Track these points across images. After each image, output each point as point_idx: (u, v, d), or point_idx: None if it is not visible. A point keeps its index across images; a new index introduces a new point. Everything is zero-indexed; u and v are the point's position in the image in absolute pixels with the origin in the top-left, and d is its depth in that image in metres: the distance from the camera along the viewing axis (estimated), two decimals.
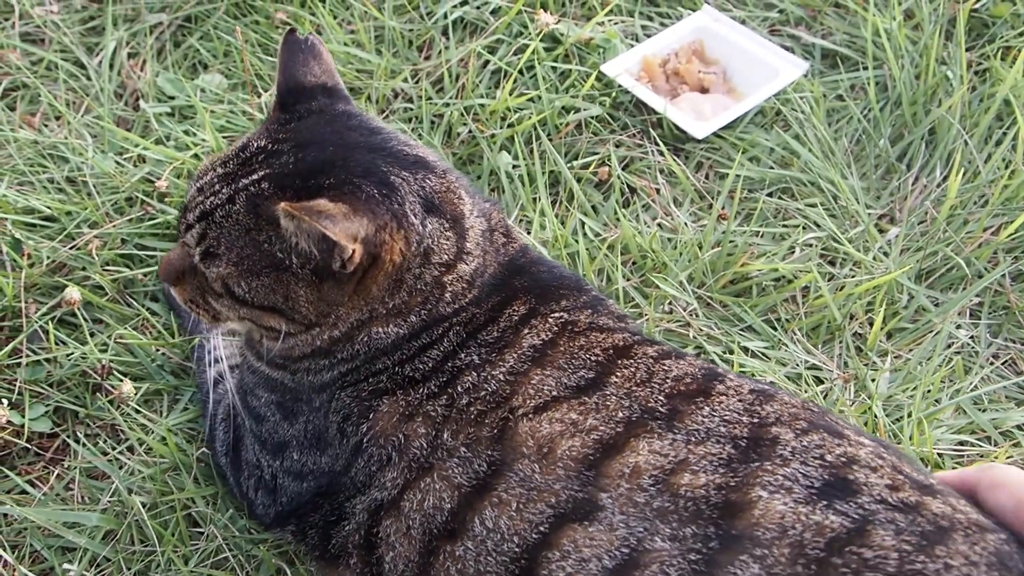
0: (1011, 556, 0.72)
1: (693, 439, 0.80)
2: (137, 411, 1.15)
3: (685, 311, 1.25)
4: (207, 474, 1.10)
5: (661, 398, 0.83)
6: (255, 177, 0.88)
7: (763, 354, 1.21)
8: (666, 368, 0.86)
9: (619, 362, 0.87)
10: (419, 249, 0.90)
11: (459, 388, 0.88)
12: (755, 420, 0.81)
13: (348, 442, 0.91)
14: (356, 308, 0.91)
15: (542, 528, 0.79)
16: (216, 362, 1.11)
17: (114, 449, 1.12)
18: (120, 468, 1.10)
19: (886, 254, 1.32)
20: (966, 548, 0.71)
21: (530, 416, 0.84)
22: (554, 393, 0.85)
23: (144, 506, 1.06)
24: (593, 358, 0.88)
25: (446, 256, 0.92)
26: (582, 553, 0.77)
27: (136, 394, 1.15)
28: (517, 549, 0.79)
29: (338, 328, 0.92)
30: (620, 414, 0.82)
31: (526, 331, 0.91)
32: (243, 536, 1.05)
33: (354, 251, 0.84)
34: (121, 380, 1.15)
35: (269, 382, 1.00)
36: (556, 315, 0.93)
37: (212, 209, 0.88)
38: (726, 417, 0.81)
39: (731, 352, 1.19)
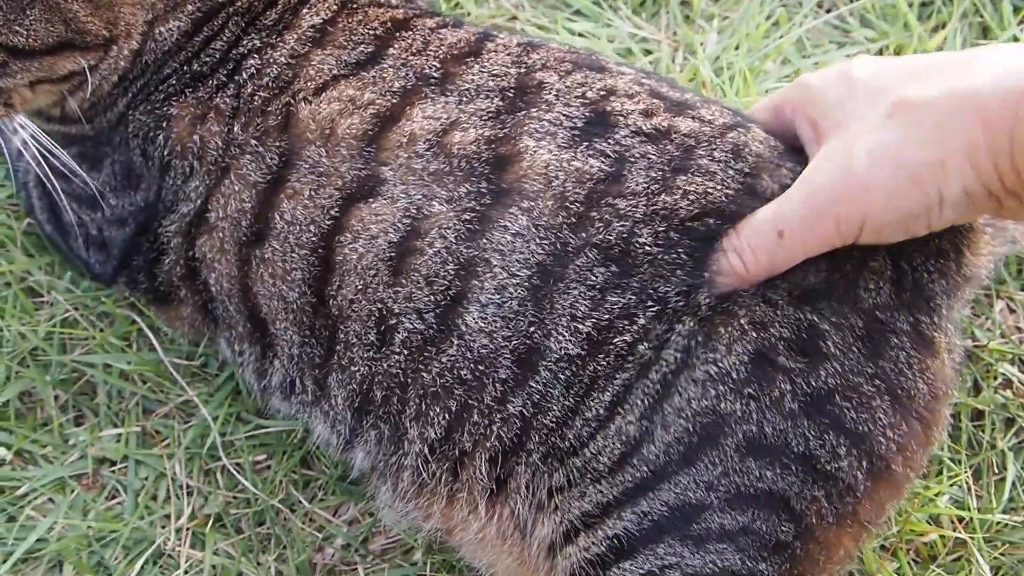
0: (746, 145, 0.78)
1: (464, 98, 0.80)
2: None
3: (510, 4, 1.21)
4: (39, 245, 1.06)
5: (435, 63, 0.83)
6: None
7: (591, 34, 1.19)
8: (442, 36, 0.85)
9: (397, 34, 0.85)
10: None
11: (244, 75, 0.86)
12: (522, 70, 0.82)
13: (154, 164, 0.89)
14: (137, 5, 0.85)
15: (333, 212, 0.80)
16: (17, 131, 1.04)
17: None
18: None
19: None
20: (706, 162, 0.76)
21: (309, 99, 0.82)
22: (334, 72, 0.83)
23: None
24: (371, 32, 0.86)
25: None
26: (370, 231, 0.78)
27: None
28: (315, 238, 0.80)
29: (133, 38, 0.86)
30: (396, 84, 0.82)
31: (305, 11, 0.87)
32: (88, 295, 1.04)
33: None
34: None
35: (66, 138, 0.94)
36: None
37: None
38: (494, 71, 0.82)
39: (557, 34, 1.17)
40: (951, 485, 0.93)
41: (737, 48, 1.17)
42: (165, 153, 0.87)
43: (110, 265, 0.98)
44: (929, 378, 0.74)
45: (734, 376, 0.72)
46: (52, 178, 0.97)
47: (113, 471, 0.98)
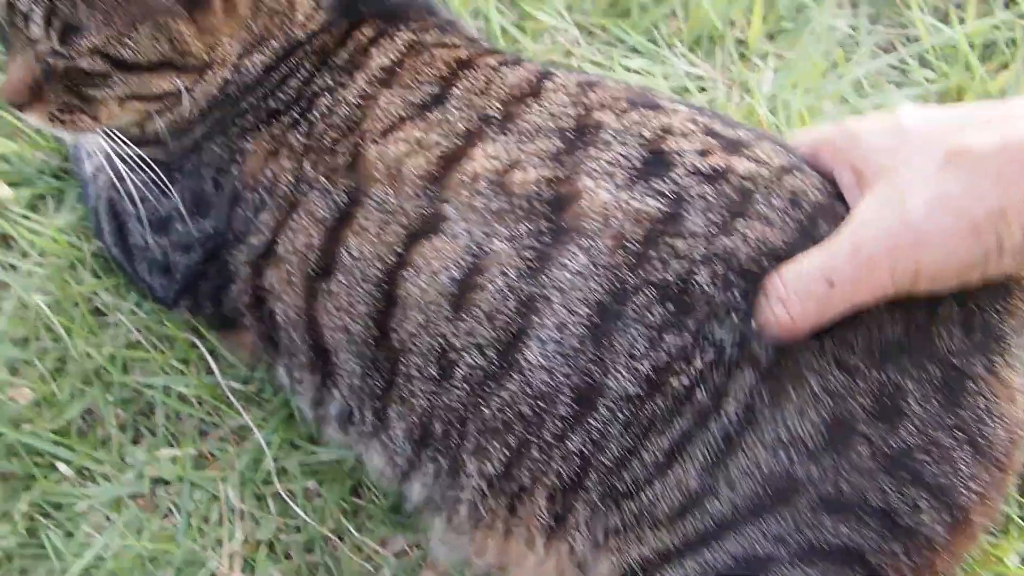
0: (804, 193, 0.77)
1: (525, 139, 0.81)
2: (24, 217, 1.12)
3: (566, 40, 1.23)
4: (106, 267, 1.09)
5: (497, 104, 0.84)
6: None
7: (646, 71, 1.20)
8: (503, 76, 0.87)
9: (461, 74, 0.87)
10: None
11: (315, 113, 0.88)
12: (580, 110, 0.83)
13: (225, 194, 0.91)
14: (234, 34, 0.89)
15: (397, 249, 0.81)
16: (90, 155, 1.08)
17: (6, 257, 1.10)
18: (16, 274, 1.09)
19: None
20: (764, 208, 0.76)
21: (378, 140, 0.85)
22: (401, 113, 0.86)
23: (47, 305, 1.05)
24: (437, 73, 0.88)
25: None
26: (432, 267, 0.80)
27: (17, 199, 1.12)
28: (379, 274, 0.82)
29: (227, 66, 0.90)
30: (460, 126, 0.83)
31: (374, 51, 0.90)
32: (151, 318, 1.06)
33: None
34: None
35: (139, 160, 0.97)
36: (404, 36, 0.92)
37: None
38: (553, 112, 0.83)
39: (613, 72, 1.18)
40: (1020, 543, 0.91)
41: (794, 87, 1.17)
42: (237, 185, 0.90)
43: (172, 289, 1.00)
44: (1007, 423, 0.73)
45: (808, 444, 0.71)
46: (122, 200, 1.00)
47: (168, 492, 1.00)
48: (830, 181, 0.79)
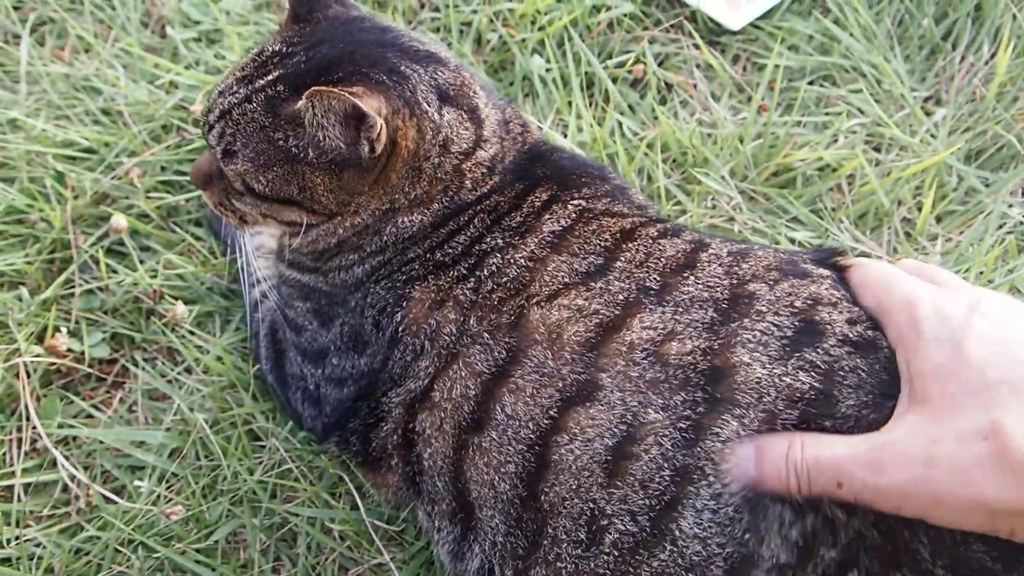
0: None
1: (680, 309, 0.83)
2: (191, 333, 1.17)
3: (729, 205, 1.24)
4: (264, 390, 1.12)
5: (655, 276, 0.86)
6: (269, 78, 0.91)
7: (809, 244, 1.19)
8: (662, 247, 0.89)
9: (624, 246, 0.89)
10: (436, 139, 0.93)
11: (485, 272, 0.91)
12: (734, 281, 0.84)
13: (384, 335, 0.94)
14: (376, 197, 0.93)
15: (552, 412, 0.82)
16: (257, 283, 1.13)
17: (172, 370, 1.15)
18: (180, 388, 1.13)
19: (933, 136, 1.29)
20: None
21: (542, 303, 0.87)
22: (566, 280, 0.88)
23: (206, 423, 1.08)
24: (602, 244, 0.90)
25: (465, 145, 0.95)
26: (587, 434, 0.80)
27: (189, 316, 1.17)
28: (532, 436, 0.82)
29: (360, 216, 0.95)
30: (620, 296, 0.85)
31: (547, 216, 0.93)
32: (304, 448, 1.08)
33: (381, 128, 0.86)
34: (173, 303, 1.17)
35: (304, 290, 1.02)
36: (575, 202, 0.95)
37: (230, 109, 0.91)
38: (709, 283, 0.84)
39: (777, 243, 1.17)
40: None
41: (965, 272, 1.14)
42: (399, 329, 0.92)
43: (321, 421, 1.02)
44: None
45: None
46: (284, 328, 1.03)
47: None
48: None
